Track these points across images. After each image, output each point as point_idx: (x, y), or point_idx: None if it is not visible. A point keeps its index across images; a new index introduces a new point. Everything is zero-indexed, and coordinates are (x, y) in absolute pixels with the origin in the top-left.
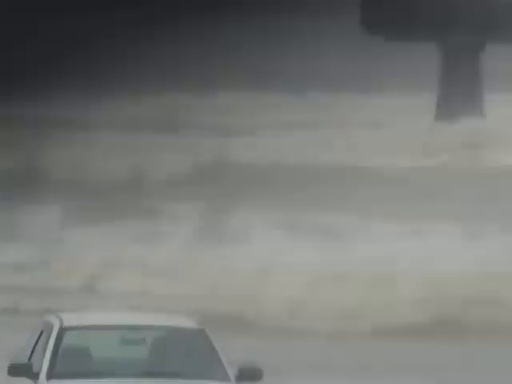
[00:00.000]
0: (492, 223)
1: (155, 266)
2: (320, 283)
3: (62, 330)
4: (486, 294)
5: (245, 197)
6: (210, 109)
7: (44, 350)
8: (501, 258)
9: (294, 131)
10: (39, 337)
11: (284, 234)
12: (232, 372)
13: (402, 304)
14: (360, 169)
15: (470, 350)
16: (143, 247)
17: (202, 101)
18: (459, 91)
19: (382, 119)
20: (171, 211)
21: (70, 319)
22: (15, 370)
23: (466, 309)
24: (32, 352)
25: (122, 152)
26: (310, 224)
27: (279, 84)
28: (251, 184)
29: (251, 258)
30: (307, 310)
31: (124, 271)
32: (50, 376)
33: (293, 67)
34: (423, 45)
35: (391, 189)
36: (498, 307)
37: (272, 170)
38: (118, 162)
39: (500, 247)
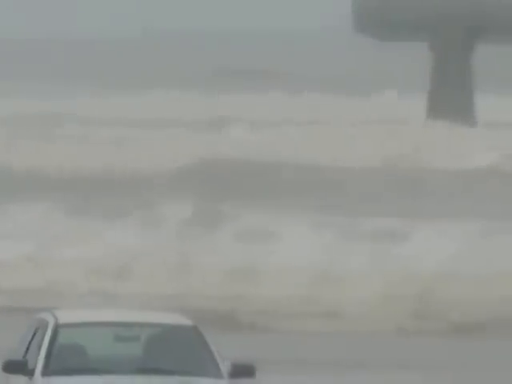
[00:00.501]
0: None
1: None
2: (311, 281)
3: (57, 327)
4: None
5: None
6: None
7: (39, 347)
8: None
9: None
10: (34, 334)
11: (276, 230)
12: (225, 368)
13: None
14: (353, 168)
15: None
16: (136, 244)
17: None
18: (450, 91)
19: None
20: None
21: (65, 316)
22: (10, 366)
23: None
24: (27, 349)
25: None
26: (301, 222)
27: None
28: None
29: (243, 256)
30: (296, 309)
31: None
32: (45, 373)
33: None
34: (416, 45)
35: (381, 188)
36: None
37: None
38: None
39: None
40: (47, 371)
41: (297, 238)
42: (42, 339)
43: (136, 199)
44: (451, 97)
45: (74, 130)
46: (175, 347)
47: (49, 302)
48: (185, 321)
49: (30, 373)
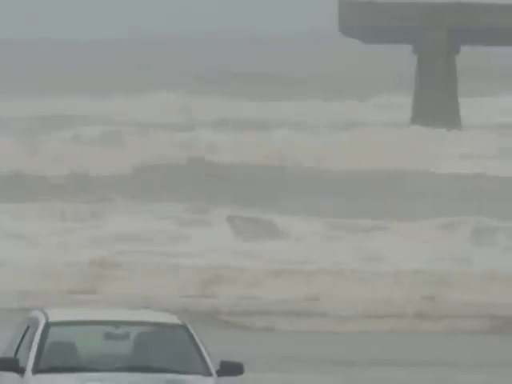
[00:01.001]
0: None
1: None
2: (265, 279)
3: (48, 326)
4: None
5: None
6: None
7: (30, 345)
8: None
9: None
10: (25, 332)
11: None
12: (214, 366)
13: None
14: (328, 171)
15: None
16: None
17: None
18: (435, 93)
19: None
20: None
21: (56, 315)
22: (1, 364)
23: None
24: (18, 347)
25: None
26: (259, 222)
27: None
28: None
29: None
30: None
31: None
32: (35, 370)
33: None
34: (401, 47)
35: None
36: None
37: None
38: None
39: None
40: (38, 369)
41: (253, 236)
42: (33, 337)
43: None
44: (436, 99)
45: (63, 130)
46: (164, 345)
47: None
48: (174, 319)
49: (20, 370)
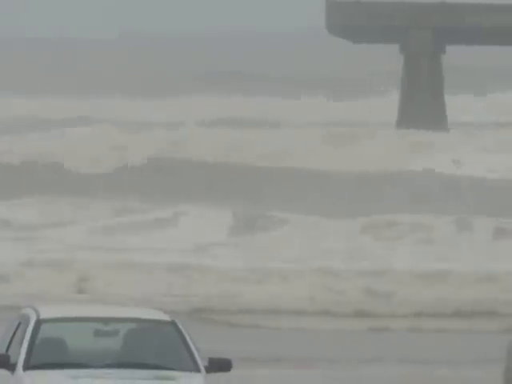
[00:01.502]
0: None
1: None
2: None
3: (39, 322)
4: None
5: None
6: None
7: (21, 342)
8: None
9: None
10: (16, 329)
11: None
12: (202, 363)
13: None
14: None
15: None
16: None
17: None
18: (421, 93)
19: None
20: None
21: (47, 312)
22: None
23: None
24: (9, 344)
25: None
26: (254, 221)
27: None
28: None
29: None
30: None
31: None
32: (26, 367)
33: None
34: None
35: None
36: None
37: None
38: None
39: None
40: (29, 365)
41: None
42: (24, 334)
43: None
44: (422, 98)
45: (53, 129)
46: (153, 342)
47: None
48: (163, 316)
49: (11, 367)
